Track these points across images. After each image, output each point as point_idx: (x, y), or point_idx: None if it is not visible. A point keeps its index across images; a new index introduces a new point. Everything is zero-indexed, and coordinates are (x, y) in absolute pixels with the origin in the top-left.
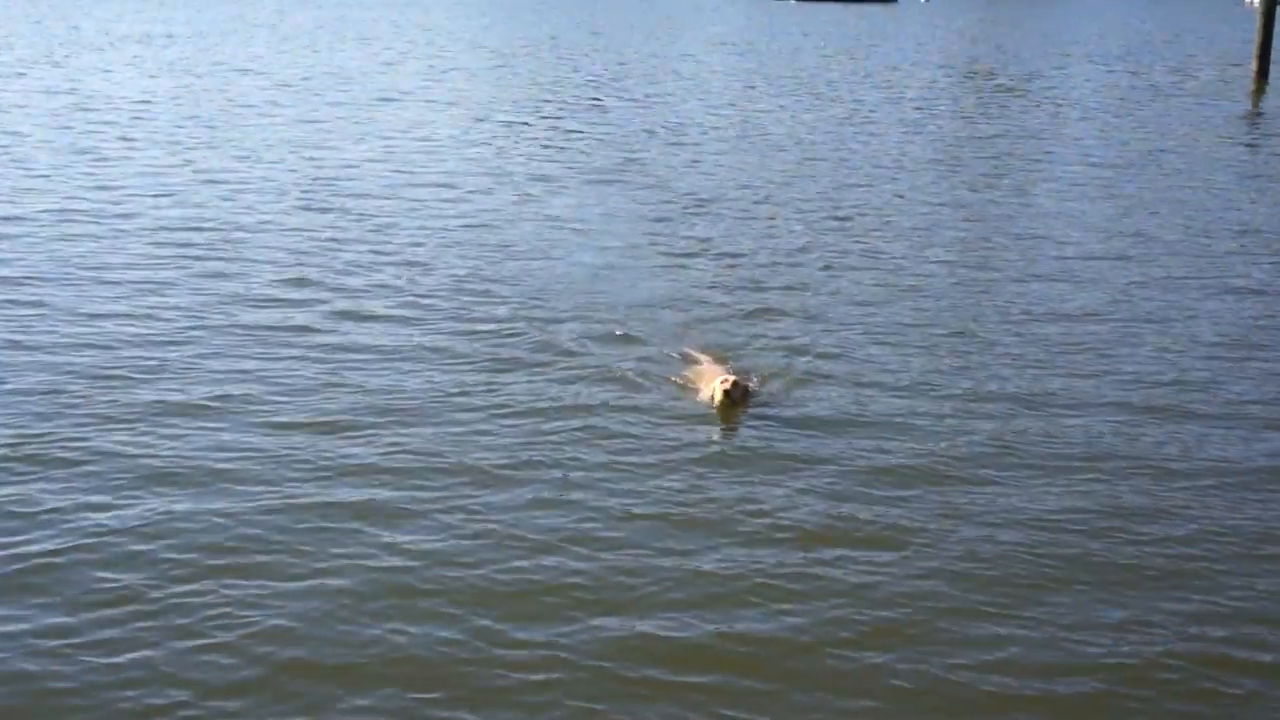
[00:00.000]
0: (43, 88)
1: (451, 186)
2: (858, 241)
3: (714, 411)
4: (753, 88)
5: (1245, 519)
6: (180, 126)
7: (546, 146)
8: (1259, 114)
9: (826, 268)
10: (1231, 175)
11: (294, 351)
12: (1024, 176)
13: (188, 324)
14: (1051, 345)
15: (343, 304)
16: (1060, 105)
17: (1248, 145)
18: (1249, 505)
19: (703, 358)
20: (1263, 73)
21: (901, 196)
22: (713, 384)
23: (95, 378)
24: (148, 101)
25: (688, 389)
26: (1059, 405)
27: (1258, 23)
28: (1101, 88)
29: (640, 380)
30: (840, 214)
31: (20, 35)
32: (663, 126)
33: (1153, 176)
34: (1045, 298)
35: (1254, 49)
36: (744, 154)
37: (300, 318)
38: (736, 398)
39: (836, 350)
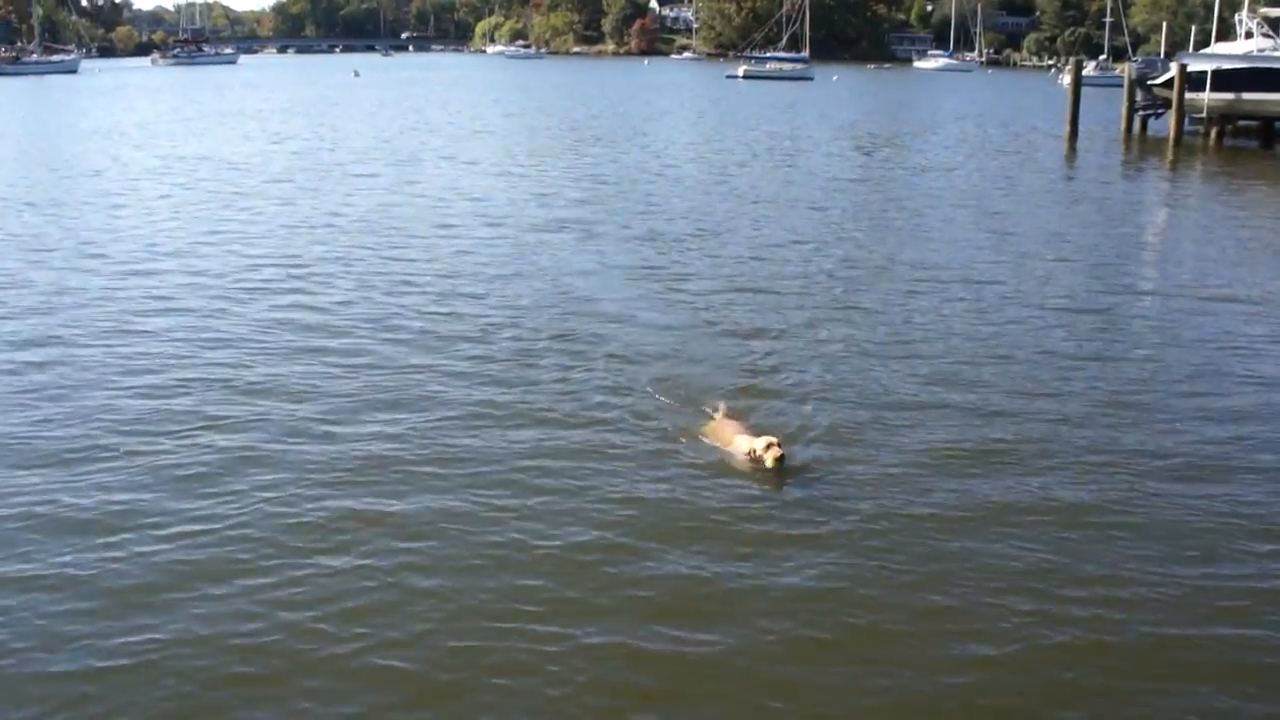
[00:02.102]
0: (190, 153)
1: (457, 226)
2: (793, 266)
3: (760, 469)
4: (716, 138)
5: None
6: (273, 181)
7: (545, 192)
8: (1073, 158)
9: (774, 278)
10: (1058, 202)
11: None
12: (910, 203)
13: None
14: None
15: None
16: (928, 154)
17: (1066, 179)
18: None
19: (717, 412)
20: (1074, 131)
21: (827, 224)
22: (753, 444)
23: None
24: (244, 161)
25: (718, 444)
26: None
27: (1069, 96)
28: (962, 141)
29: (663, 428)
30: (775, 242)
31: (175, 110)
32: (641, 172)
33: (1003, 203)
34: (935, 306)
35: (1067, 114)
36: (705, 195)
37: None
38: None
39: (816, 385)
